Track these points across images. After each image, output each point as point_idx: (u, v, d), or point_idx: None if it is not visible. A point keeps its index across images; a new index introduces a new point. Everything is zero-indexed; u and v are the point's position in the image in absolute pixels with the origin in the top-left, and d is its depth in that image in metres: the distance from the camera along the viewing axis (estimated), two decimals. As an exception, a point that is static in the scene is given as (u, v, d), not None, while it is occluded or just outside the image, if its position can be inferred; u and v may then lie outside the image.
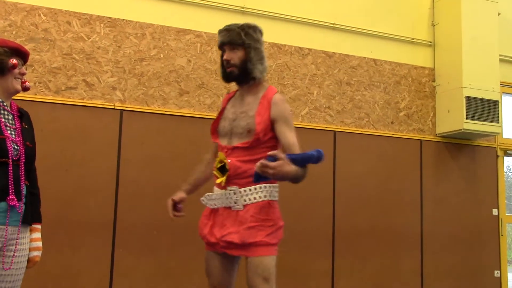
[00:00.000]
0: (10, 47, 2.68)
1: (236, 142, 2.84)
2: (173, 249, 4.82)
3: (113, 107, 4.80)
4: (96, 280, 4.58)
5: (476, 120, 5.81)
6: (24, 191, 2.61)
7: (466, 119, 5.75)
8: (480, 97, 5.83)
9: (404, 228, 5.73)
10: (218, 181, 2.84)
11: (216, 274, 2.90)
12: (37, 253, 2.74)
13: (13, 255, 2.59)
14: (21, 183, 2.59)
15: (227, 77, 2.97)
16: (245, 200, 2.80)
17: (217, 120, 3.01)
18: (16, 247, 2.60)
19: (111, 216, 4.68)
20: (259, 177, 2.60)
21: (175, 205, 3.12)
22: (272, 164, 2.47)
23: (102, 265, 4.61)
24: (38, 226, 2.78)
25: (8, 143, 2.56)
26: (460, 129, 5.78)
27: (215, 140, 2.99)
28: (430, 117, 6.08)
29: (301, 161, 2.60)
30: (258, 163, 2.51)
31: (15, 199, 2.53)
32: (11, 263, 2.58)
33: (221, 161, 2.85)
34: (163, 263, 4.79)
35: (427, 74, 6.13)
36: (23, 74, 2.72)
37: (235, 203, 2.81)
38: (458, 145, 6.11)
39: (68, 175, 4.57)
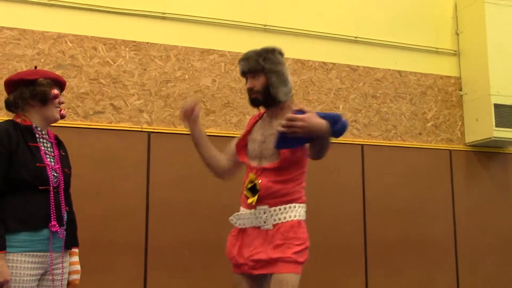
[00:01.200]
0: (51, 78, 2.80)
1: (266, 163, 2.85)
2: (205, 269, 4.82)
3: (140, 129, 4.85)
4: (129, 302, 4.61)
5: (506, 127, 5.73)
6: (65, 217, 2.70)
7: (496, 126, 5.67)
8: (509, 104, 5.75)
9: (437, 239, 5.65)
10: (249, 201, 2.83)
11: None
12: (76, 276, 2.83)
13: (61, 278, 2.69)
14: (62, 209, 2.68)
15: (253, 104, 2.97)
16: (274, 220, 2.80)
17: (243, 140, 3.01)
18: (62, 270, 2.69)
19: (143, 238, 4.71)
20: (283, 141, 2.60)
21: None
22: (300, 116, 2.51)
23: (135, 286, 4.62)
24: (76, 250, 2.87)
25: (49, 170, 2.65)
26: (490, 137, 5.70)
27: (242, 159, 2.99)
28: (459, 126, 6.01)
29: (329, 118, 2.59)
30: (283, 121, 2.53)
31: (57, 225, 2.62)
32: (61, 286, 2.68)
33: (251, 181, 2.85)
34: (196, 283, 4.78)
35: (453, 83, 6.07)
36: (62, 103, 2.84)
37: (265, 222, 2.80)
38: (489, 153, 6.02)
39: (99, 198, 4.62)
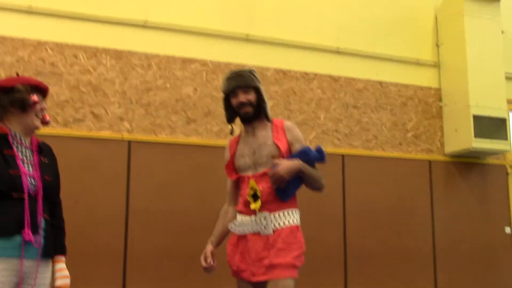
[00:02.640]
0: (31, 84, 2.75)
1: (261, 169, 3.03)
2: (184, 278, 4.79)
3: (121, 137, 4.82)
4: (108, 312, 4.56)
5: (485, 138, 5.79)
6: (42, 225, 2.64)
7: (475, 137, 5.74)
8: (488, 115, 5.82)
9: (416, 248, 5.69)
10: (253, 207, 2.97)
11: None
12: (65, 281, 2.79)
13: (33, 286, 2.61)
14: (38, 217, 2.62)
15: (241, 118, 3.15)
16: (274, 226, 2.96)
17: (230, 163, 3.17)
18: (35, 281, 2.62)
19: (122, 246, 4.68)
20: (283, 192, 2.95)
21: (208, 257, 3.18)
22: (276, 169, 2.87)
23: (114, 297, 4.59)
24: (62, 258, 2.83)
25: (24, 178, 2.60)
26: (469, 148, 5.76)
27: (235, 177, 3.15)
28: (438, 137, 6.06)
29: (299, 154, 3.02)
30: (271, 180, 2.90)
31: (30, 234, 2.56)
32: None
33: (252, 188, 3.00)
34: (175, 292, 4.75)
35: (433, 94, 6.13)
36: (44, 109, 2.78)
37: (265, 228, 2.95)
38: (468, 164, 6.08)
39: (77, 207, 4.58)
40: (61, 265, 2.81)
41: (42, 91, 2.80)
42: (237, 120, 3.26)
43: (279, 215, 2.98)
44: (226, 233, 3.23)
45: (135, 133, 4.89)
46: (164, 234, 4.78)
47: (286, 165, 2.90)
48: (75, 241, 4.47)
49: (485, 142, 5.78)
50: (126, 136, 4.84)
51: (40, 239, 2.62)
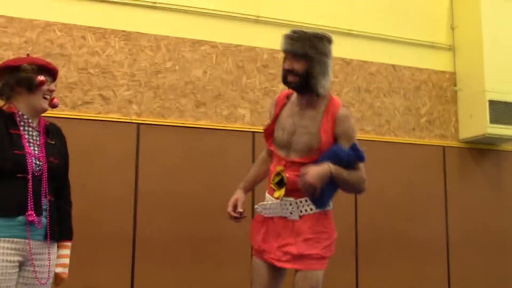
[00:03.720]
0: (38, 64, 2.71)
1: (295, 157, 2.81)
2: (193, 262, 4.79)
3: (129, 120, 4.78)
4: (116, 295, 4.56)
5: (500, 124, 5.70)
6: (45, 207, 2.62)
7: (490, 123, 5.65)
8: (504, 100, 5.72)
9: (429, 235, 5.63)
10: (276, 195, 2.82)
11: (264, 283, 2.86)
12: (62, 270, 2.74)
13: (47, 270, 2.62)
14: (42, 199, 2.60)
15: (286, 84, 2.87)
16: (301, 211, 2.80)
17: (272, 125, 2.92)
18: (49, 262, 2.63)
19: (130, 230, 4.67)
20: (320, 201, 2.74)
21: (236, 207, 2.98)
22: (305, 179, 2.62)
23: (122, 279, 4.59)
24: (67, 243, 2.79)
25: (29, 158, 2.58)
26: (484, 134, 5.68)
27: (270, 146, 2.94)
28: (453, 122, 5.97)
29: (331, 156, 2.70)
30: (303, 189, 2.66)
31: (34, 214, 2.54)
32: (40, 278, 2.59)
33: (278, 174, 2.83)
34: (183, 275, 4.74)
35: (447, 78, 6.03)
36: (52, 91, 2.73)
37: (291, 213, 2.81)
38: (482, 150, 5.99)
39: (86, 190, 4.55)
40: (64, 251, 2.77)
41: (50, 72, 2.75)
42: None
43: (306, 201, 2.79)
44: (259, 179, 3.08)
45: (144, 116, 4.84)
46: (172, 217, 4.76)
47: (315, 172, 2.65)
48: (83, 224, 4.46)
49: (501, 128, 5.69)
50: (135, 119, 4.80)
51: (42, 219, 2.60)
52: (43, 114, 2.77)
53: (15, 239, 2.52)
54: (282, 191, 2.79)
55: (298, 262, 2.76)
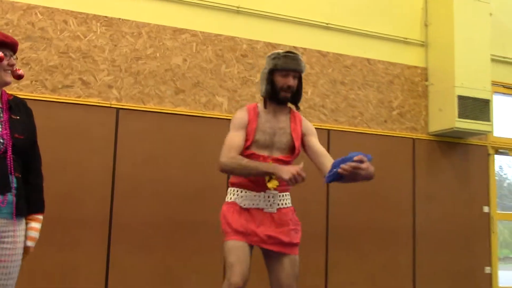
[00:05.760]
0: None
1: (278, 155, 3.18)
2: (170, 247, 4.87)
3: (109, 105, 4.84)
4: (92, 277, 4.63)
5: (468, 119, 5.86)
6: (13, 184, 2.57)
7: (458, 117, 5.81)
8: (472, 96, 5.89)
9: (397, 225, 5.79)
10: (270, 185, 3.04)
11: (247, 262, 3.07)
12: (30, 243, 2.68)
13: (10, 247, 2.56)
14: (9, 176, 2.55)
15: (277, 99, 3.19)
16: (278, 205, 3.17)
17: (251, 130, 3.17)
18: (15, 239, 2.57)
19: (107, 214, 4.72)
20: (336, 177, 2.83)
21: None
22: (363, 165, 2.76)
23: (98, 262, 4.66)
24: (38, 216, 2.73)
25: None
26: (452, 128, 5.85)
27: (250, 143, 3.16)
28: (423, 116, 6.14)
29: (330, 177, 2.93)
30: (346, 166, 2.75)
31: None
32: (8, 255, 2.54)
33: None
34: (160, 260, 4.83)
35: (419, 73, 6.19)
36: (12, 65, 2.64)
37: (271, 206, 3.15)
38: (450, 143, 6.17)
39: (64, 173, 4.61)
40: (33, 224, 2.70)
41: (9, 46, 2.64)
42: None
43: (284, 195, 3.20)
44: None
45: (124, 101, 4.90)
46: (150, 202, 4.83)
47: (370, 171, 2.82)
48: (61, 205, 4.56)
49: (469, 122, 5.86)
50: (115, 103, 4.86)
51: (9, 197, 2.55)
52: (5, 88, 2.69)
53: None
54: (274, 182, 3.05)
55: (289, 248, 3.15)
